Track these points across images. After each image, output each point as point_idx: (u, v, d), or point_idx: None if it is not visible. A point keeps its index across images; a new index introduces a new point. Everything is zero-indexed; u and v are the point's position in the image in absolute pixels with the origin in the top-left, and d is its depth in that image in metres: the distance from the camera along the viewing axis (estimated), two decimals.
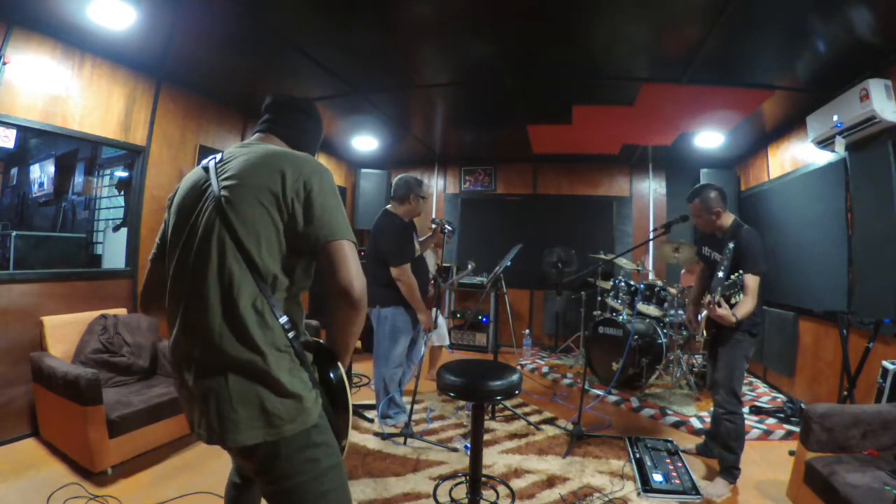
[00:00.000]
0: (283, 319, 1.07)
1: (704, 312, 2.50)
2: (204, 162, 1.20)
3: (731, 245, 2.41)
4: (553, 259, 5.40)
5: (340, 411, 1.17)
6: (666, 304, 4.15)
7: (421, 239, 3.34)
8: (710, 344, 2.66)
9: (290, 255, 1.10)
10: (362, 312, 1.11)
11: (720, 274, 2.41)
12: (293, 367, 1.07)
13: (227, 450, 1.11)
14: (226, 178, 1.10)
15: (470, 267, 4.65)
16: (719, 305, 2.24)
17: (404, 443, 2.92)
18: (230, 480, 1.46)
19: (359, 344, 5.35)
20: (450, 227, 3.37)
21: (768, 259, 2.45)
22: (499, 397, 1.87)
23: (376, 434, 3.05)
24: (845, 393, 2.68)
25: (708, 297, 2.33)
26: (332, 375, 1.16)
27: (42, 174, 4.07)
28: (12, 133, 2.69)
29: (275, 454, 1.05)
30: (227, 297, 1.04)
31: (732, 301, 2.24)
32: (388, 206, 3.19)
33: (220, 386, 1.02)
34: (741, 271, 2.20)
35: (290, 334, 1.08)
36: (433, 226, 3.43)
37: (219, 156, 1.20)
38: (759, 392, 4.12)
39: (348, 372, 3.61)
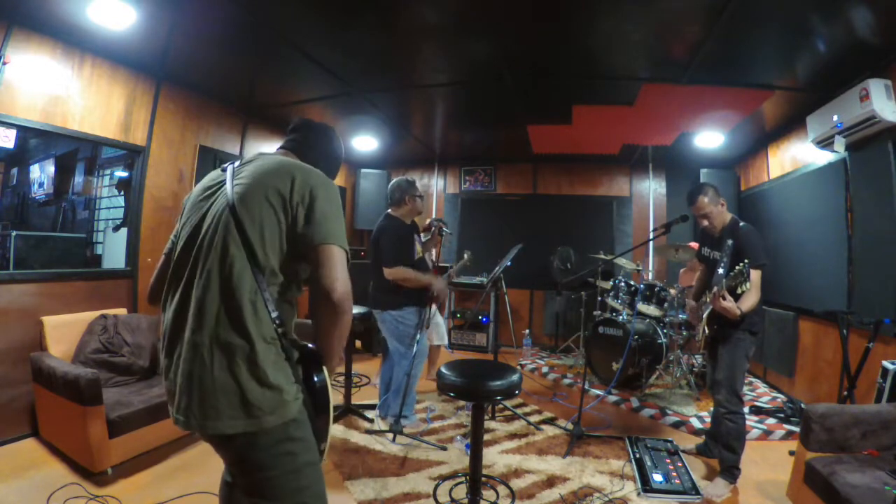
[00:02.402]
0: (275, 314, 1.10)
1: (707, 310, 2.51)
2: (224, 165, 1.29)
3: (729, 242, 2.42)
4: (560, 261, 5.45)
5: (321, 414, 1.19)
6: (666, 304, 4.15)
7: (423, 240, 3.36)
8: (710, 343, 2.66)
9: (289, 258, 1.15)
10: (343, 317, 1.14)
11: (720, 270, 2.41)
12: (278, 360, 1.10)
13: (206, 438, 1.12)
14: (240, 178, 1.19)
15: (466, 256, 4.46)
16: (724, 298, 2.25)
17: (393, 439, 2.92)
18: (223, 479, 1.46)
19: (359, 344, 5.35)
20: (447, 231, 3.46)
21: (768, 254, 2.44)
22: (499, 397, 1.87)
23: (367, 431, 3.06)
24: (845, 393, 2.68)
25: (714, 289, 2.34)
26: (315, 379, 1.18)
27: (42, 174, 4.07)
28: (12, 133, 2.70)
29: (252, 444, 1.08)
30: (227, 283, 1.08)
31: (739, 291, 2.23)
32: (389, 210, 3.20)
33: (205, 371, 1.04)
34: (746, 261, 2.18)
35: (280, 329, 1.11)
36: (431, 227, 3.51)
37: (237, 161, 1.29)
38: (759, 392, 4.12)
39: (348, 372, 3.59)
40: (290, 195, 1.14)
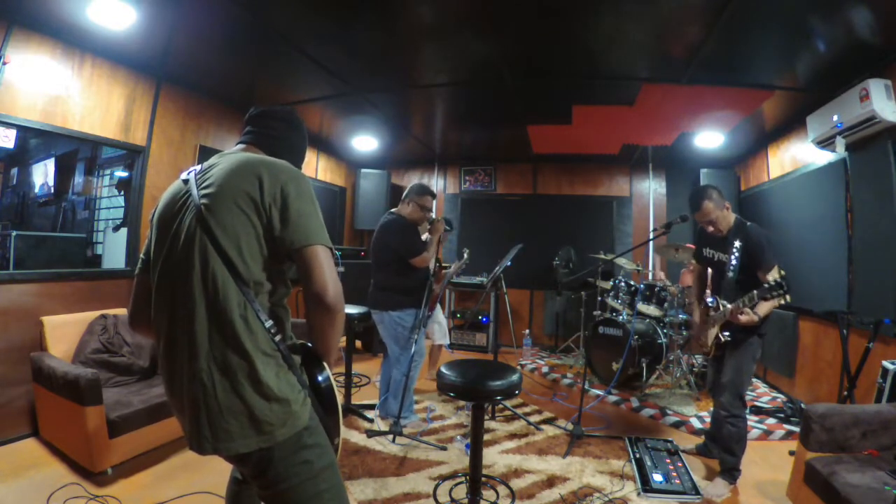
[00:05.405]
0: (269, 323, 1.08)
1: (718, 322, 2.45)
2: (184, 174, 1.21)
3: (737, 244, 2.36)
4: (562, 261, 5.46)
5: (331, 412, 1.18)
6: (666, 304, 4.15)
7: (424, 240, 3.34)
8: (716, 346, 2.56)
9: (272, 261, 1.12)
10: (337, 317, 1.12)
11: (730, 274, 2.36)
12: (280, 370, 1.08)
13: (224, 458, 1.12)
14: (205, 187, 1.11)
15: (465, 255, 4.23)
16: (742, 313, 2.24)
17: (393, 440, 2.92)
18: (232, 476, 1.47)
19: (359, 344, 5.35)
20: (448, 228, 3.37)
21: (776, 252, 2.39)
22: (499, 397, 1.87)
23: (367, 432, 3.05)
24: (845, 393, 2.68)
25: (730, 306, 2.31)
26: (319, 379, 1.17)
27: (42, 174, 4.07)
28: (12, 133, 2.70)
29: (268, 459, 1.07)
30: (213, 302, 1.04)
31: (775, 303, 2.24)
32: (393, 209, 3.20)
33: (209, 396, 1.03)
34: (782, 273, 2.16)
35: (277, 338, 1.09)
36: (434, 223, 3.38)
37: (198, 167, 1.21)
38: (759, 392, 4.11)
39: (348, 372, 3.57)
40: (261, 197, 1.08)
